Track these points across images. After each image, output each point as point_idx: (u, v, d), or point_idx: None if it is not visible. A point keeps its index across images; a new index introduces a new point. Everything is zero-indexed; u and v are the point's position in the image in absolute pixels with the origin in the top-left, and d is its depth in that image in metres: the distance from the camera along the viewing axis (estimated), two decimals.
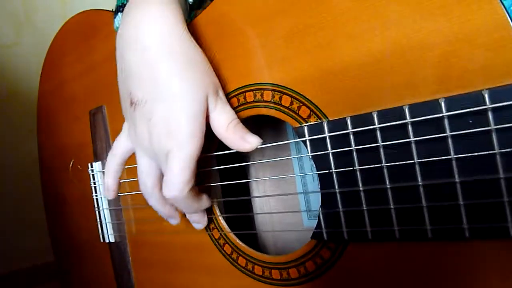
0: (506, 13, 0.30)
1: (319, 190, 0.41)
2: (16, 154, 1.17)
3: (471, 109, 0.31)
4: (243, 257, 0.50)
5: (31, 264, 1.14)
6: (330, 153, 0.39)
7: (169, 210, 0.50)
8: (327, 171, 0.40)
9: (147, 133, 0.44)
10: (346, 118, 0.37)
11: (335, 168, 0.39)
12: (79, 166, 0.72)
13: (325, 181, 0.40)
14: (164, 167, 0.44)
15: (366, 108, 0.37)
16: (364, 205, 0.38)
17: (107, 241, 0.67)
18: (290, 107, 0.43)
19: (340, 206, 0.39)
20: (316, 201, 0.60)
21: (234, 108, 0.48)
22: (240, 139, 0.44)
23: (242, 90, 0.47)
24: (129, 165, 0.54)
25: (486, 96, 0.30)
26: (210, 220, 0.53)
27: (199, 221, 0.51)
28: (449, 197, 0.33)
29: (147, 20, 0.44)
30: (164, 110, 0.42)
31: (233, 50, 0.48)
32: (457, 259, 0.34)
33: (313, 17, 0.40)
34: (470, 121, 0.31)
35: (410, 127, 0.34)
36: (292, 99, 0.43)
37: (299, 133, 0.42)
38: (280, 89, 0.44)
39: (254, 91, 0.46)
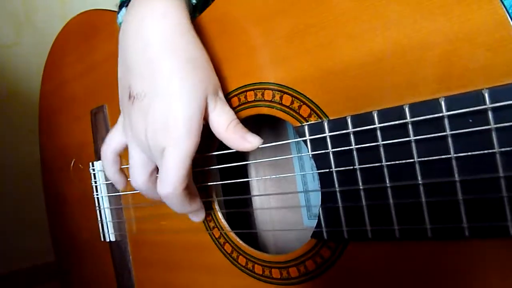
0: (506, 12, 0.30)
1: (319, 189, 0.41)
2: (16, 154, 1.17)
3: (471, 109, 0.31)
4: (243, 256, 0.50)
5: (31, 264, 1.14)
6: (331, 152, 0.39)
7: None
8: (327, 170, 0.40)
9: (143, 128, 0.44)
10: (347, 117, 0.38)
11: (335, 167, 0.39)
12: (80, 165, 0.72)
13: (325, 180, 0.40)
14: (159, 163, 0.44)
15: (367, 107, 0.37)
16: (364, 204, 0.38)
17: (107, 240, 0.67)
18: (290, 106, 0.43)
19: (340, 205, 0.39)
20: (316, 201, 0.60)
21: (234, 108, 0.48)
22: (241, 139, 0.44)
23: (243, 90, 0.47)
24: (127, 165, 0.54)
25: (486, 95, 0.30)
26: (210, 219, 0.53)
27: (196, 215, 0.51)
28: (449, 196, 0.33)
29: (151, 15, 0.44)
30: (162, 106, 0.42)
31: (234, 49, 0.48)
32: (457, 258, 0.34)
33: (313, 17, 0.40)
34: (470, 120, 0.31)
35: (410, 127, 0.34)
36: (293, 98, 0.43)
37: (300, 133, 0.42)
38: (281, 89, 0.44)
39: (255, 91, 0.46)
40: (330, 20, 0.39)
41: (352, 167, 0.38)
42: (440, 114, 0.32)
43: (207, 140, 0.44)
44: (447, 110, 0.32)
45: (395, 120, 0.35)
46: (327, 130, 0.39)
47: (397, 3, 0.35)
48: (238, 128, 0.45)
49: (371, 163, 0.37)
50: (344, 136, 0.38)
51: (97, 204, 0.68)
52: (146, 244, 0.63)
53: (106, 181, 0.66)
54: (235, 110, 0.47)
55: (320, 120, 0.40)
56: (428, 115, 0.33)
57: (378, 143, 0.36)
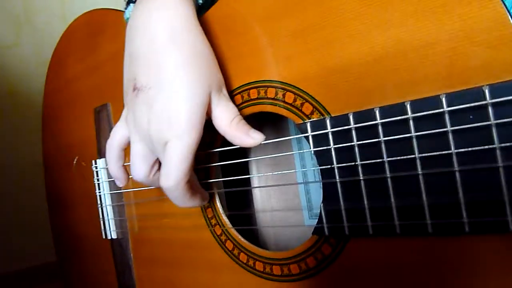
0: (506, 11, 0.30)
1: (321, 186, 0.41)
2: (16, 154, 1.17)
3: (471, 104, 0.31)
4: (244, 253, 0.50)
5: (31, 264, 1.14)
6: (332, 149, 0.40)
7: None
8: (329, 166, 0.40)
9: (147, 120, 0.44)
10: (349, 114, 0.38)
11: (337, 164, 0.40)
12: (83, 163, 0.73)
13: (327, 176, 0.41)
14: (161, 156, 0.44)
15: (369, 105, 0.37)
16: (365, 200, 0.38)
17: (109, 237, 0.68)
18: (293, 104, 0.43)
19: (341, 201, 0.40)
20: (317, 202, 0.61)
21: (238, 105, 0.48)
22: (244, 135, 0.44)
23: (246, 87, 0.48)
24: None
25: (487, 92, 0.31)
26: (212, 217, 0.53)
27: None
28: (449, 191, 0.33)
29: (159, 10, 0.45)
30: (167, 99, 0.42)
31: (238, 47, 0.48)
32: (457, 254, 0.34)
33: (316, 16, 0.41)
34: (471, 117, 0.32)
35: (411, 123, 0.34)
36: (296, 96, 0.43)
37: (302, 130, 0.42)
38: (283, 86, 0.44)
39: (258, 88, 0.47)
40: (333, 19, 0.40)
41: (353, 163, 0.38)
42: (441, 110, 0.33)
43: (210, 137, 0.45)
44: (448, 107, 0.32)
45: (397, 117, 0.35)
46: (329, 127, 0.40)
47: (399, 2, 0.35)
48: (241, 124, 0.45)
49: (373, 159, 0.37)
50: (346, 133, 0.39)
51: (99, 202, 0.68)
52: (147, 242, 0.63)
53: (108, 178, 0.67)
54: (238, 107, 0.48)
55: (322, 117, 0.41)
56: (429, 111, 0.33)
57: (379, 139, 0.36)
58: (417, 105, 0.34)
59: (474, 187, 0.32)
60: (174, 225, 0.58)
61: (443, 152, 0.33)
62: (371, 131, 0.37)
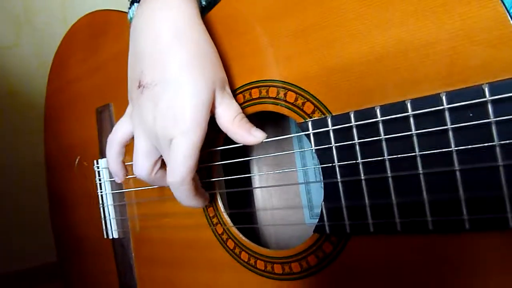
0: (506, 10, 0.31)
1: (322, 185, 0.42)
2: (16, 154, 1.17)
3: (471, 102, 0.32)
4: (245, 252, 0.50)
5: (31, 265, 1.14)
6: (333, 147, 0.40)
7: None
8: (330, 164, 0.40)
9: (152, 116, 0.44)
10: (350, 113, 0.38)
11: (338, 162, 0.40)
12: (85, 163, 0.73)
13: (328, 175, 0.41)
14: (166, 153, 0.45)
15: (369, 104, 0.38)
16: (366, 198, 0.38)
17: (110, 237, 0.68)
18: (294, 103, 0.44)
19: (342, 199, 0.40)
20: (318, 199, 0.61)
21: (240, 105, 0.48)
22: (246, 133, 0.45)
23: (248, 87, 0.48)
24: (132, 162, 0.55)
25: (486, 90, 0.31)
26: (213, 216, 0.54)
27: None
28: (450, 189, 0.34)
29: (163, 9, 0.45)
30: (172, 96, 0.43)
31: (240, 47, 0.49)
32: (458, 252, 0.34)
33: (317, 16, 0.41)
34: (471, 115, 0.32)
35: (412, 121, 0.35)
36: (297, 95, 0.43)
37: (303, 129, 0.42)
38: (285, 86, 0.45)
39: (260, 88, 0.47)
40: (334, 18, 0.40)
41: (354, 161, 0.39)
42: (441, 107, 0.33)
43: (212, 136, 0.45)
44: (448, 105, 0.33)
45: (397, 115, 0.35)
46: (330, 126, 0.40)
47: (400, 2, 0.36)
48: (243, 122, 0.45)
49: (374, 158, 0.37)
50: (347, 131, 0.39)
51: (100, 202, 0.69)
52: (149, 241, 0.63)
53: (110, 178, 0.67)
54: (241, 107, 0.48)
55: (323, 116, 0.41)
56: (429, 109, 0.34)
57: (380, 137, 0.37)
58: (417, 103, 0.34)
59: (474, 184, 0.33)
60: (175, 224, 0.58)
61: (444, 150, 0.33)
62: (372, 129, 0.37)
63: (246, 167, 0.67)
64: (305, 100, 0.43)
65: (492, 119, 0.31)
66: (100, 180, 0.68)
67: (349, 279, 0.41)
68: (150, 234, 0.63)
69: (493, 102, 0.31)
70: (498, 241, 0.32)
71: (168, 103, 0.43)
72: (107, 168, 0.66)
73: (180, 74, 0.43)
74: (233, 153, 0.52)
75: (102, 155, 0.69)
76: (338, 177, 0.40)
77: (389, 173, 0.37)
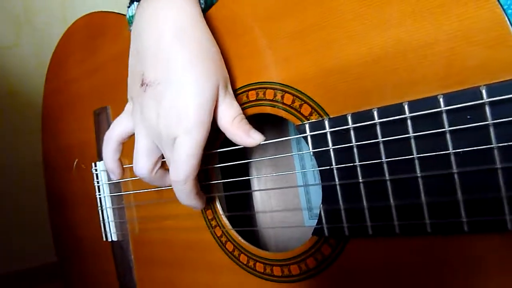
0: (503, 11, 0.30)
1: (321, 187, 0.41)
2: (16, 154, 1.17)
3: (469, 104, 0.31)
4: (244, 254, 0.50)
5: (31, 265, 1.14)
6: (331, 150, 0.40)
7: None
8: (328, 167, 0.40)
9: (155, 115, 0.44)
10: (347, 115, 0.38)
11: (336, 164, 0.40)
12: (83, 165, 0.73)
13: (326, 177, 0.41)
14: (168, 152, 0.45)
15: (367, 106, 0.38)
16: (364, 200, 0.38)
17: (109, 239, 0.68)
18: (292, 105, 0.44)
19: (340, 202, 0.40)
20: (317, 202, 0.61)
21: None
22: (244, 134, 0.45)
23: (245, 89, 0.48)
24: (131, 164, 0.55)
25: (484, 92, 0.31)
26: (212, 218, 0.54)
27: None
28: (448, 191, 0.33)
29: (167, 7, 0.45)
30: (175, 95, 0.43)
31: (237, 49, 0.49)
32: (456, 254, 0.34)
33: (315, 17, 0.41)
34: (468, 117, 0.32)
35: (409, 123, 0.35)
36: (294, 97, 0.43)
37: (301, 131, 0.42)
38: (282, 88, 0.44)
39: (257, 90, 0.47)
40: (332, 20, 0.40)
41: (352, 164, 0.38)
42: (439, 109, 0.33)
43: (211, 138, 0.45)
44: (446, 107, 0.33)
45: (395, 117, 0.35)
46: (327, 128, 0.40)
47: (397, 3, 0.36)
48: (243, 123, 0.45)
49: (371, 160, 0.37)
50: (344, 133, 0.39)
51: (99, 204, 0.68)
52: (148, 244, 0.63)
53: (108, 181, 0.67)
54: None
55: (321, 118, 0.41)
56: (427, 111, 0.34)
57: (378, 140, 0.36)
58: (415, 105, 0.34)
59: (472, 186, 0.33)
60: (174, 226, 0.58)
61: (441, 152, 0.33)
62: (370, 131, 0.37)
63: (244, 169, 0.67)
64: (302, 102, 0.43)
65: (490, 121, 0.31)
66: (98, 182, 0.68)
67: (348, 282, 0.41)
68: (149, 236, 0.63)
69: (491, 104, 0.31)
70: (497, 243, 0.32)
71: (172, 101, 0.43)
72: (105, 171, 0.66)
73: (184, 73, 0.43)
74: (231, 156, 0.52)
75: (100, 157, 0.68)
76: (336, 180, 0.40)
77: (387, 176, 0.36)
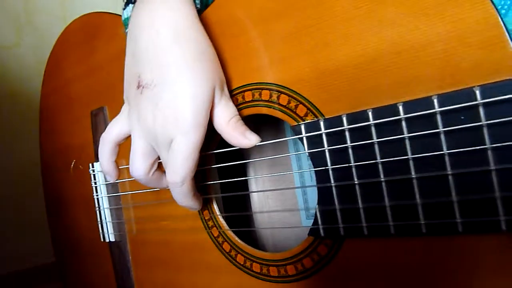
0: (496, 12, 0.30)
1: (316, 186, 0.42)
2: (16, 154, 1.17)
3: (463, 105, 0.31)
4: (241, 254, 0.50)
5: (30, 265, 1.14)
6: (326, 150, 0.40)
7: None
8: (324, 168, 0.40)
9: (152, 116, 0.44)
10: (342, 116, 0.38)
11: (331, 165, 0.40)
12: (80, 166, 0.73)
13: (321, 178, 0.41)
14: (164, 153, 0.45)
15: (362, 106, 0.38)
16: (359, 201, 0.38)
17: (107, 240, 0.68)
18: (287, 105, 0.44)
19: (336, 202, 0.40)
20: (314, 201, 0.61)
21: None
22: (240, 135, 0.45)
23: (241, 90, 0.48)
24: (128, 165, 0.55)
25: (478, 93, 0.31)
26: (209, 219, 0.54)
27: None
28: (442, 192, 0.33)
29: (163, 8, 0.45)
30: (172, 96, 0.43)
31: (233, 50, 0.49)
32: (451, 254, 0.34)
33: (310, 18, 0.41)
34: (462, 118, 0.32)
35: (404, 124, 0.35)
36: (290, 98, 0.43)
37: (296, 131, 0.42)
38: (278, 89, 0.44)
39: (253, 91, 0.47)
40: (327, 21, 0.40)
41: (347, 165, 0.38)
42: (433, 110, 0.33)
43: (207, 139, 0.45)
44: (440, 108, 0.33)
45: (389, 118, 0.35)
46: (323, 129, 0.40)
47: (392, 4, 0.36)
48: (238, 124, 0.45)
49: (366, 161, 0.37)
50: (339, 134, 0.39)
51: (96, 205, 0.69)
52: (146, 244, 0.63)
53: (106, 181, 0.67)
54: None
55: (316, 119, 0.41)
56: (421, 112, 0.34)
57: (372, 141, 0.36)
58: (409, 106, 0.34)
59: (467, 187, 0.33)
60: (171, 227, 0.58)
61: (436, 153, 0.33)
62: (365, 132, 0.37)
63: (241, 169, 0.67)
64: (298, 103, 0.43)
65: (483, 122, 0.31)
66: (96, 183, 0.68)
67: (344, 282, 0.41)
68: (147, 237, 0.63)
69: (485, 105, 0.31)
70: (493, 244, 0.32)
71: (168, 103, 0.43)
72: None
73: (180, 74, 0.43)
74: (228, 157, 0.52)
75: (98, 158, 0.68)
76: (332, 181, 0.40)
77: (382, 176, 0.36)
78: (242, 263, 0.50)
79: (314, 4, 0.41)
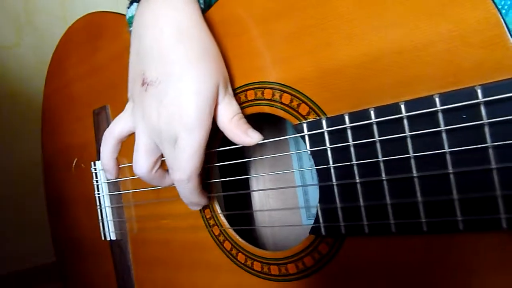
0: (498, 11, 0.31)
1: (317, 185, 0.42)
2: (16, 154, 1.17)
3: (464, 103, 0.32)
4: (242, 253, 0.51)
5: (31, 265, 1.14)
6: (328, 149, 0.40)
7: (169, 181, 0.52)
8: (326, 166, 0.40)
9: (156, 114, 0.44)
10: (344, 114, 0.38)
11: (333, 163, 0.40)
12: (82, 165, 0.73)
13: (323, 176, 0.41)
14: (168, 151, 0.45)
15: (364, 105, 0.38)
16: (361, 200, 0.38)
17: (108, 239, 0.68)
18: (290, 104, 0.44)
19: (337, 201, 0.40)
20: (315, 200, 0.61)
21: None
22: (242, 133, 0.45)
23: (244, 89, 0.48)
24: (131, 163, 0.55)
25: (479, 92, 0.31)
26: (210, 217, 0.54)
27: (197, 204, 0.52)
28: (444, 190, 0.34)
29: (167, 7, 0.45)
30: (177, 94, 0.43)
31: (236, 49, 0.49)
32: (452, 252, 0.34)
33: (313, 18, 0.41)
34: (464, 116, 0.32)
35: (406, 122, 0.35)
36: (292, 97, 0.44)
37: (298, 130, 0.43)
38: (280, 88, 0.45)
39: (255, 90, 0.47)
40: (329, 21, 0.40)
41: (349, 163, 0.39)
42: (434, 109, 0.33)
43: (210, 137, 0.45)
44: (442, 106, 0.33)
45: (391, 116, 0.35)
46: (325, 127, 0.40)
47: (394, 4, 0.36)
48: (241, 122, 0.46)
49: (368, 159, 0.37)
50: (341, 133, 0.39)
51: (98, 203, 0.69)
52: (146, 243, 0.63)
53: (107, 180, 0.67)
54: None
55: (318, 118, 0.41)
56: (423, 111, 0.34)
57: (374, 139, 0.37)
58: (411, 105, 0.34)
59: (468, 185, 0.33)
60: (172, 226, 0.58)
61: (437, 152, 0.33)
62: (367, 131, 0.37)
63: (243, 168, 0.67)
64: (300, 102, 0.43)
65: (485, 120, 0.31)
66: (97, 181, 0.68)
67: (345, 280, 0.41)
68: (148, 235, 0.63)
69: (486, 103, 0.31)
70: (494, 242, 0.33)
71: (173, 100, 0.43)
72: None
73: (184, 72, 0.43)
74: (230, 155, 0.52)
75: (99, 157, 0.68)
76: (333, 179, 0.40)
77: (383, 175, 0.37)
78: (243, 261, 0.50)
79: (315, 4, 0.41)
